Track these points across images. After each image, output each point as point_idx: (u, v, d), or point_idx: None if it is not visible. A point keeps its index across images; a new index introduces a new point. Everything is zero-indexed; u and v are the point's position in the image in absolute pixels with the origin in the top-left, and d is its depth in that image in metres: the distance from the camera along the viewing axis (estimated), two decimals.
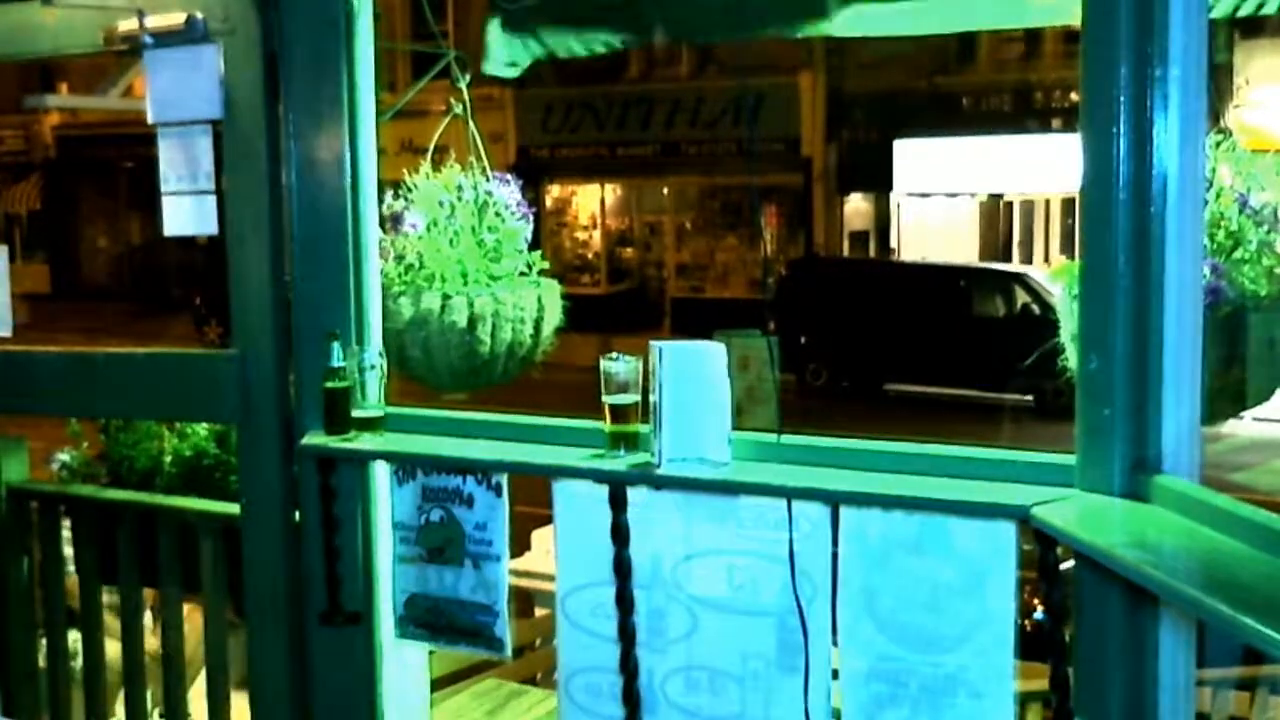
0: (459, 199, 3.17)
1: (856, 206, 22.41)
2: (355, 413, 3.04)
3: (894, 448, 2.63)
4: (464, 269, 3.12)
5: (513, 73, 3.60)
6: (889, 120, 20.84)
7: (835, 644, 2.58)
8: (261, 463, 3.26)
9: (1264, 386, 2.66)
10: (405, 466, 3.05)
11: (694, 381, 2.65)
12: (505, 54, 3.56)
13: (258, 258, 3.20)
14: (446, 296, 3.08)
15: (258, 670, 3.39)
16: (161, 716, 3.76)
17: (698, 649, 2.72)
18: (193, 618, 3.83)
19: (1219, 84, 16.03)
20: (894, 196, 21.72)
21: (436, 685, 4.07)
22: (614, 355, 2.78)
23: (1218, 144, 2.68)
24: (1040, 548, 2.32)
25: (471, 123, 3.32)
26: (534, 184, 22.07)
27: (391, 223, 3.16)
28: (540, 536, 6.13)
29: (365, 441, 3.04)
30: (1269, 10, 2.91)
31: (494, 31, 3.54)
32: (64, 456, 4.16)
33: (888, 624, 2.50)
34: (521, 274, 3.22)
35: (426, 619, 3.05)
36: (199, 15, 3.17)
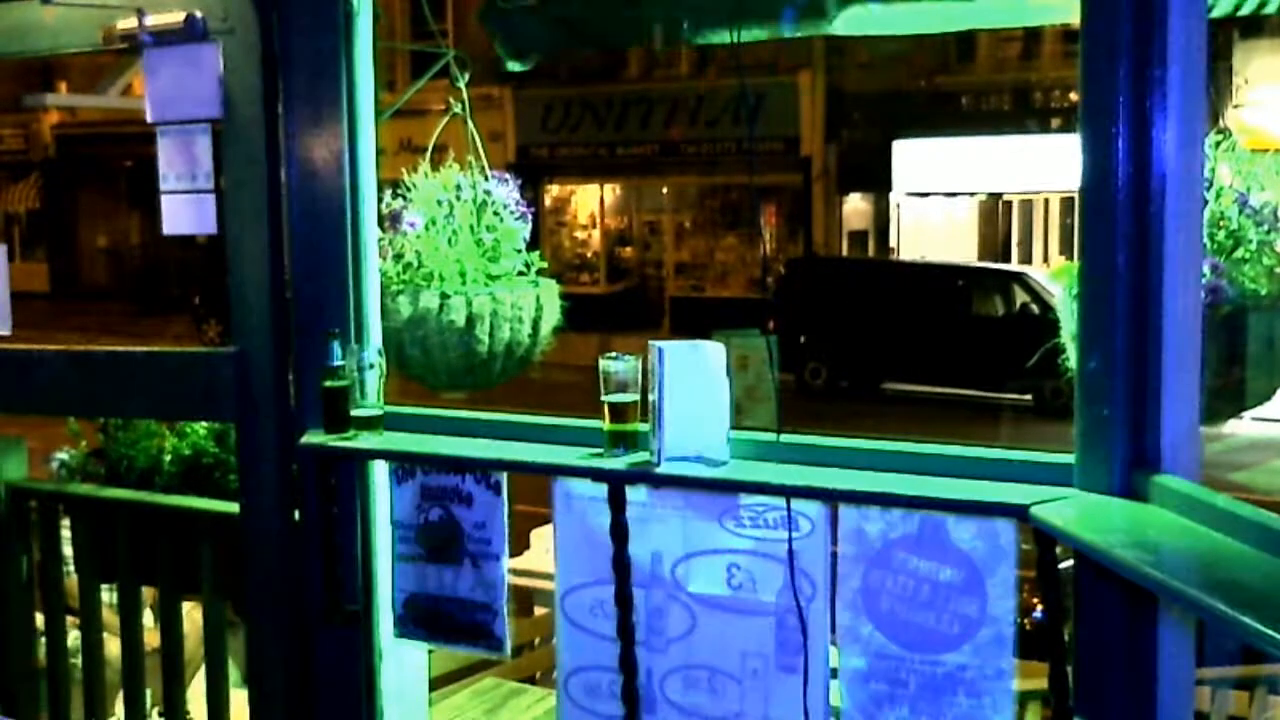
0: (458, 198, 3.17)
1: (855, 206, 22.42)
2: (354, 411, 3.04)
3: (893, 447, 2.63)
4: (462, 268, 3.12)
5: (519, 68, 3.59)
6: (888, 120, 20.84)
7: (834, 643, 2.59)
8: (261, 462, 3.26)
9: (1264, 386, 2.66)
10: (404, 465, 3.05)
11: (693, 381, 2.65)
12: (509, 51, 3.56)
13: (257, 257, 3.20)
14: (445, 295, 3.08)
15: (257, 669, 3.39)
16: (160, 715, 3.75)
17: (697, 648, 2.72)
18: (191, 615, 3.83)
19: (1219, 84, 16.04)
20: (893, 196, 21.73)
21: (435, 684, 4.07)
22: (613, 354, 2.78)
23: (1218, 144, 2.68)
24: (1039, 547, 2.32)
25: (470, 122, 3.32)
26: (533, 183, 22.06)
27: (390, 222, 3.16)
28: (539, 535, 6.13)
29: (364, 440, 3.04)
30: (1269, 10, 2.91)
31: (496, 30, 3.54)
32: (63, 456, 4.16)
33: (887, 623, 2.50)
34: (520, 273, 3.22)
35: (425, 618, 3.05)
36: (198, 14, 3.17)
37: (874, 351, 17.78)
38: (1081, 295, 2.30)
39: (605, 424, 2.78)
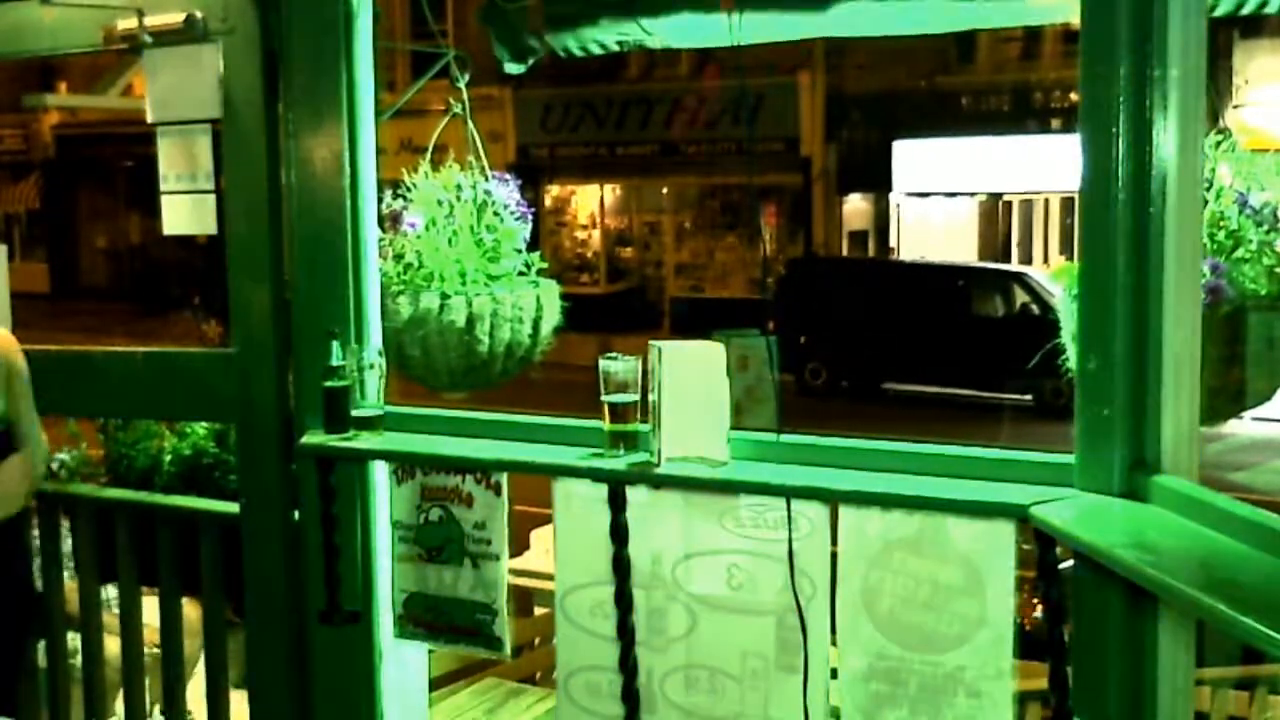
0: (458, 198, 3.17)
1: (856, 206, 22.41)
2: (354, 412, 3.04)
3: (893, 447, 2.63)
4: (462, 268, 3.12)
5: (518, 69, 3.59)
6: (888, 120, 20.83)
7: (834, 643, 2.59)
8: (261, 462, 3.26)
9: (1264, 386, 2.66)
10: (404, 465, 3.05)
11: (693, 381, 2.65)
12: (508, 52, 3.56)
13: (257, 257, 3.20)
14: (445, 296, 3.07)
15: (257, 669, 3.39)
16: (162, 714, 3.75)
17: (697, 648, 2.72)
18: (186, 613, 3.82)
19: (1219, 84, 16.04)
20: (893, 196, 21.72)
21: (436, 684, 4.07)
22: (613, 355, 2.78)
23: (1218, 144, 2.67)
24: (1039, 547, 2.32)
25: (470, 122, 3.32)
26: (533, 183, 22.05)
27: (390, 222, 3.16)
28: (539, 536, 6.13)
29: (364, 440, 3.04)
30: (1270, 10, 2.90)
31: (494, 30, 3.54)
32: (63, 456, 4.16)
33: (886, 623, 2.50)
34: (520, 274, 3.21)
35: (425, 618, 3.05)
36: (198, 14, 3.17)
37: (874, 352, 17.77)
38: (1081, 295, 2.30)
39: (605, 424, 2.78)
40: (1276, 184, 2.67)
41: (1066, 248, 19.84)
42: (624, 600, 2.76)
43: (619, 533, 2.75)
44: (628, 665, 2.77)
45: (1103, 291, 2.24)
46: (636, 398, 2.76)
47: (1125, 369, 2.23)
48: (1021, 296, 17.08)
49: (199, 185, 3.29)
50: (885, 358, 17.76)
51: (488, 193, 3.19)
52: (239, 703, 3.52)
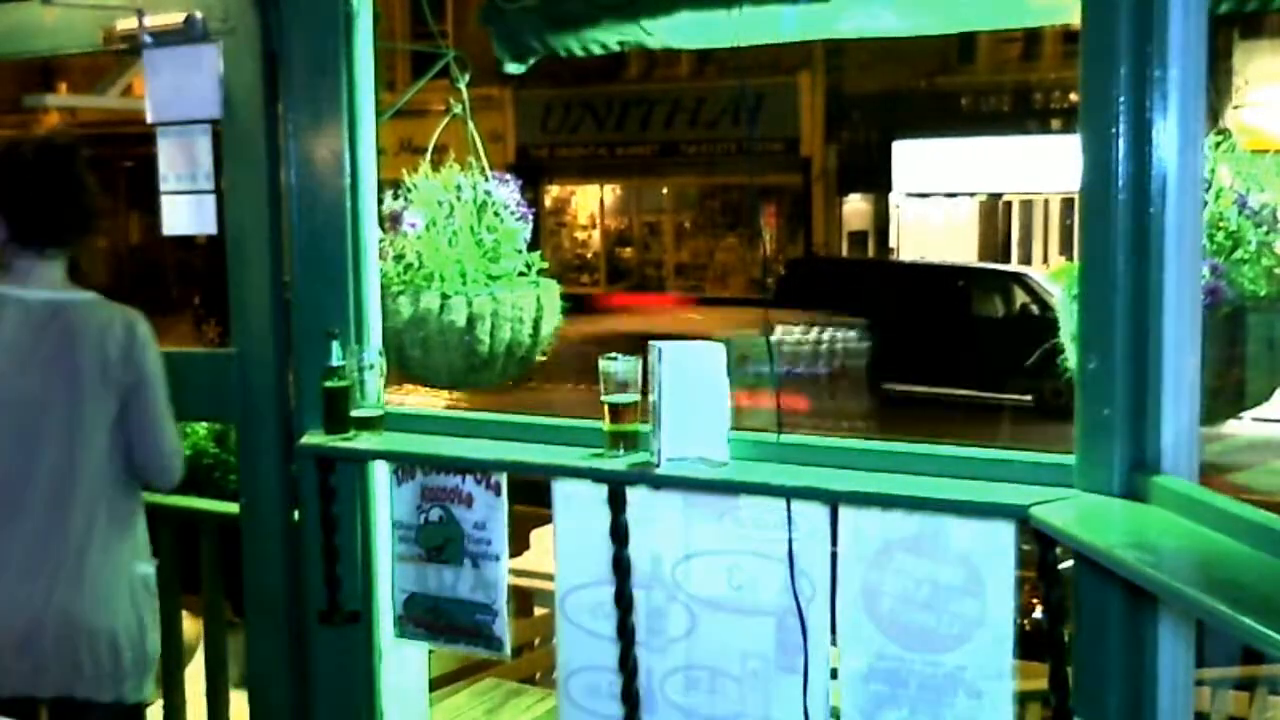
0: (458, 199, 3.17)
1: (855, 206, 22.41)
2: (354, 412, 3.04)
3: (893, 448, 2.63)
4: (463, 269, 3.12)
5: (518, 69, 3.60)
6: (888, 120, 20.83)
7: (834, 643, 2.59)
8: (261, 462, 3.26)
9: (1263, 387, 2.66)
10: (404, 466, 3.05)
11: (693, 381, 2.65)
12: (508, 52, 3.56)
13: (257, 257, 3.20)
14: (445, 296, 3.08)
15: (257, 670, 3.38)
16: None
17: (697, 648, 2.72)
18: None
19: (1219, 84, 16.04)
20: (893, 196, 21.72)
21: (435, 685, 4.07)
22: (613, 355, 2.78)
23: (1217, 144, 2.68)
24: (1040, 548, 2.32)
25: (470, 122, 3.32)
26: (533, 184, 22.05)
27: (391, 222, 3.16)
28: (539, 536, 6.13)
29: (364, 441, 3.04)
30: (1275, 6, 2.90)
31: (494, 30, 3.54)
32: None
33: (887, 623, 2.50)
34: (520, 274, 3.22)
35: (426, 618, 3.05)
36: (198, 15, 3.17)
37: (874, 352, 17.75)
38: (1081, 295, 2.30)
39: (605, 424, 2.78)
40: (1276, 185, 2.67)
41: (1066, 248, 19.84)
42: (624, 600, 2.76)
43: (619, 533, 2.75)
44: (628, 665, 2.77)
45: (1103, 291, 2.24)
46: (636, 398, 2.76)
47: (1125, 369, 2.23)
48: (1021, 297, 17.07)
49: (199, 185, 3.28)
50: (885, 358, 17.74)
51: (488, 193, 3.19)
52: (239, 702, 3.52)
